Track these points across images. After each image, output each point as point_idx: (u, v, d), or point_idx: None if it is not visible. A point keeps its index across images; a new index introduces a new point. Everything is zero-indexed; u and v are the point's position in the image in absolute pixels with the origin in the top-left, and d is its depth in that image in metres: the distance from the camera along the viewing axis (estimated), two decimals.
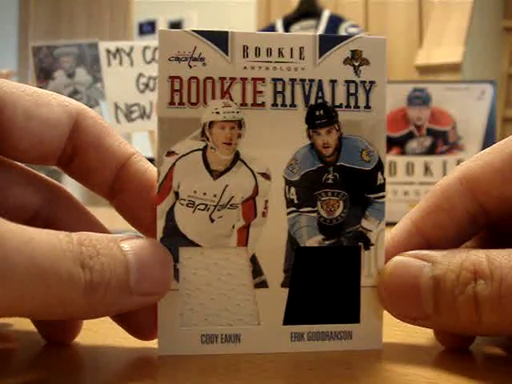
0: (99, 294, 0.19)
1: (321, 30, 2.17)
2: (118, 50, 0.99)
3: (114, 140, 0.24)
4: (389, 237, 0.25)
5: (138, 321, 0.24)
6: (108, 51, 0.99)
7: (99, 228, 0.25)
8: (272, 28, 2.26)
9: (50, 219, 0.24)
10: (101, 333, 0.26)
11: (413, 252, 0.23)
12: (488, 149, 0.24)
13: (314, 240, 0.24)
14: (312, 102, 0.24)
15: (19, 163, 0.25)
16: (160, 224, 0.23)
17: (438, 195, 0.24)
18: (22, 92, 0.23)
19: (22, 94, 0.23)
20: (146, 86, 0.99)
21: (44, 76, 1.01)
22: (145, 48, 1.00)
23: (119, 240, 0.21)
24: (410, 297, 0.22)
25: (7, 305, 0.17)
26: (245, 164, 0.23)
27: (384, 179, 0.24)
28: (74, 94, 1.02)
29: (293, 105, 0.23)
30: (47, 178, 0.26)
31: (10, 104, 0.22)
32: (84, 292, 0.19)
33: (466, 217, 0.24)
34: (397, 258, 0.23)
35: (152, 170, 0.24)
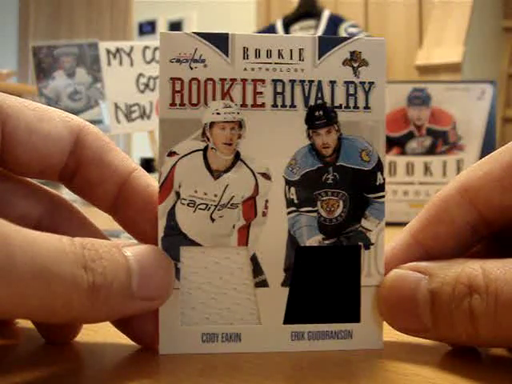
0: (102, 296, 0.19)
1: (321, 30, 2.17)
2: (117, 50, 0.99)
3: (115, 155, 0.24)
4: (388, 249, 0.25)
5: (139, 327, 0.24)
6: (108, 51, 0.99)
7: (100, 237, 0.25)
8: (272, 28, 2.26)
9: (52, 229, 0.24)
10: (101, 332, 0.26)
11: (411, 264, 0.23)
12: (486, 158, 0.24)
13: (314, 239, 0.24)
14: (312, 102, 0.24)
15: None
16: (161, 223, 0.23)
17: (437, 207, 0.24)
18: (24, 107, 0.23)
19: (25, 109, 0.23)
20: (146, 85, 0.99)
21: (44, 76, 1.01)
22: (145, 48, 1.00)
23: (121, 246, 0.21)
24: (408, 310, 0.23)
25: (10, 304, 0.17)
26: (245, 164, 0.23)
27: (384, 179, 0.24)
28: (73, 94, 1.02)
29: (292, 105, 0.24)
30: (48, 188, 0.26)
31: (12, 118, 0.23)
32: (87, 294, 0.19)
33: (465, 227, 0.24)
34: (395, 271, 0.23)
35: (154, 184, 0.24)
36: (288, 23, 2.23)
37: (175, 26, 3.54)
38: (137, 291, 0.21)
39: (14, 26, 3.96)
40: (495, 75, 2.28)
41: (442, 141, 0.81)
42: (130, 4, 3.70)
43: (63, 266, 0.18)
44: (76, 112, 0.99)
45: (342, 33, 2.15)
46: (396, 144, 0.81)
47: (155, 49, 1.00)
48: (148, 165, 1.18)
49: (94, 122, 0.97)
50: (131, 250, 0.21)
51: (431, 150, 0.81)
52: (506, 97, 2.38)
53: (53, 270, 0.18)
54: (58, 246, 0.19)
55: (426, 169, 0.81)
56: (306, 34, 2.18)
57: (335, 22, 2.20)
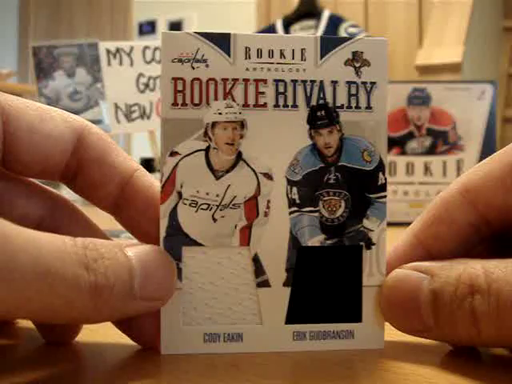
0: (104, 296, 0.19)
1: (321, 30, 2.17)
2: (117, 50, 0.99)
3: (117, 155, 0.24)
4: (391, 249, 0.25)
5: (140, 328, 0.24)
6: (108, 51, 0.99)
7: (102, 237, 0.25)
8: (272, 28, 2.26)
9: (53, 229, 0.24)
10: (101, 332, 0.26)
11: (412, 264, 0.23)
12: (487, 159, 0.24)
13: (316, 239, 0.24)
14: (313, 102, 0.24)
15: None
16: (163, 223, 0.23)
17: (439, 207, 0.24)
18: (26, 107, 0.23)
19: (27, 109, 0.23)
20: (146, 86, 0.99)
21: (44, 76, 1.01)
22: (145, 48, 1.00)
23: (123, 246, 0.21)
24: (410, 310, 0.23)
25: (12, 305, 0.17)
26: (247, 164, 0.23)
27: (385, 179, 0.24)
28: (74, 94, 1.02)
29: (294, 105, 0.24)
30: (50, 189, 0.26)
31: (14, 118, 0.23)
32: (89, 294, 0.19)
33: (467, 228, 0.24)
34: (397, 271, 0.23)
35: (156, 185, 0.24)
36: (288, 23, 2.23)
37: (175, 25, 3.54)
38: (139, 291, 0.21)
39: (14, 26, 3.95)
40: (495, 75, 2.28)
41: (441, 141, 0.81)
42: (130, 4, 3.70)
43: (65, 266, 0.18)
44: (76, 112, 0.99)
45: (342, 33, 2.15)
46: (396, 144, 0.81)
47: (155, 49, 1.00)
48: (148, 165, 1.18)
49: (93, 121, 0.97)
50: (133, 250, 0.21)
51: (431, 150, 0.81)
52: (506, 97, 2.38)
53: (54, 271, 0.18)
54: (60, 246, 0.19)
55: (426, 169, 0.81)
56: (306, 34, 2.18)
57: (335, 22, 2.20)
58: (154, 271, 0.22)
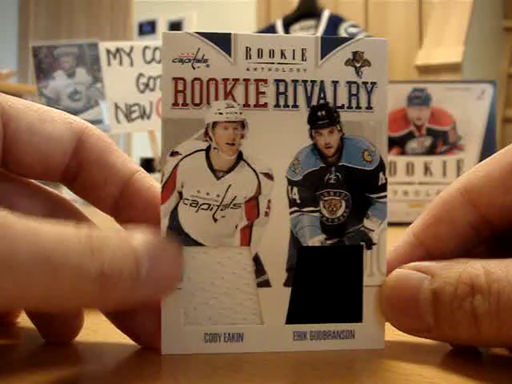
0: (111, 283, 0.19)
1: (321, 30, 2.17)
2: (117, 50, 0.99)
3: (117, 157, 0.24)
4: (391, 249, 0.25)
5: (140, 327, 0.24)
6: (108, 51, 0.99)
7: None
8: (272, 28, 2.26)
9: None
10: (101, 332, 0.26)
11: (413, 264, 0.23)
12: (488, 159, 0.24)
13: (317, 239, 0.24)
14: (314, 102, 0.24)
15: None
16: (164, 223, 0.23)
17: (439, 207, 0.24)
18: (26, 108, 0.23)
19: (27, 110, 0.23)
20: (146, 85, 0.99)
21: (44, 76, 1.01)
22: (145, 48, 1.00)
23: (129, 234, 0.21)
24: (411, 310, 0.23)
25: (15, 295, 0.17)
26: (247, 164, 0.23)
27: (386, 179, 0.24)
28: (74, 94, 1.02)
29: (295, 105, 0.24)
30: (50, 189, 0.26)
31: (14, 119, 0.23)
32: (95, 281, 0.18)
33: (467, 228, 0.24)
34: (397, 271, 0.23)
35: (156, 186, 0.24)
36: (288, 23, 2.24)
37: (175, 25, 3.54)
38: (145, 278, 0.20)
39: (14, 26, 3.96)
40: (495, 75, 2.28)
41: (441, 141, 0.81)
42: (130, 4, 3.70)
43: (69, 253, 0.18)
44: (76, 112, 0.99)
45: (342, 33, 2.15)
46: (396, 144, 0.81)
47: (155, 49, 1.00)
48: (148, 165, 1.18)
49: (93, 122, 0.97)
50: (140, 237, 0.21)
51: (431, 150, 0.81)
52: (505, 97, 2.38)
53: (58, 258, 0.18)
54: (63, 232, 0.18)
55: (426, 169, 0.81)
56: (306, 34, 2.18)
57: (335, 22, 2.20)
58: (160, 258, 0.21)
